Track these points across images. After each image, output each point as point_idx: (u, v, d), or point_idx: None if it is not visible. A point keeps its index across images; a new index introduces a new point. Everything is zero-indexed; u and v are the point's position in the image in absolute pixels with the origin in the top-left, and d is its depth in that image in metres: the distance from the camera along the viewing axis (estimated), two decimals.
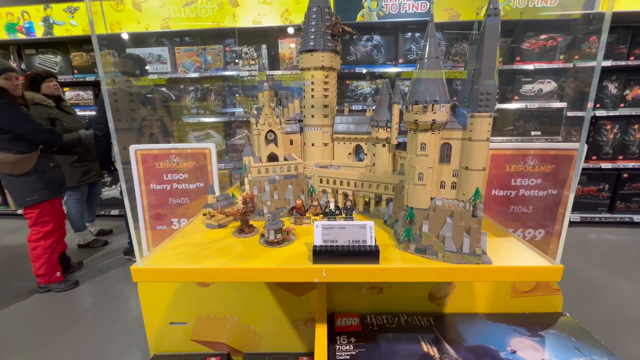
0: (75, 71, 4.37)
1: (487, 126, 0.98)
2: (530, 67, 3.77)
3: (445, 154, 1.07)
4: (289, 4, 3.78)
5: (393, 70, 3.94)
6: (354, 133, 1.64)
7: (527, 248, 1.18)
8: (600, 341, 1.26)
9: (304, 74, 1.66)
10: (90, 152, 3.35)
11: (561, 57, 3.76)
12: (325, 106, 1.68)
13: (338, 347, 1.25)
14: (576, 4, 3.70)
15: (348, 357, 1.20)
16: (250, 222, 1.39)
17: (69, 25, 4.15)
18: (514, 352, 1.21)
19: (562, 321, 1.40)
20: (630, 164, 3.93)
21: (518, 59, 3.81)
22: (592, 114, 3.85)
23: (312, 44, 1.57)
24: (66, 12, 4.11)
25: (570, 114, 3.77)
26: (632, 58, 3.75)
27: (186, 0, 3.78)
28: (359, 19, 3.76)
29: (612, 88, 3.89)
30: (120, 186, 4.27)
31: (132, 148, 1.96)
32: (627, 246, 3.52)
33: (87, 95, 4.51)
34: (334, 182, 1.57)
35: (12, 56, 4.44)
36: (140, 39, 4.15)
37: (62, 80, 4.21)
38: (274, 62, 4.09)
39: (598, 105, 3.94)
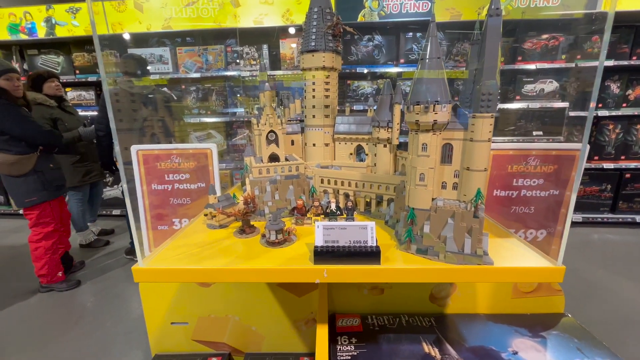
0: (77, 71, 4.39)
1: (488, 126, 0.98)
2: (532, 67, 3.76)
3: (446, 154, 1.07)
4: (290, 4, 3.78)
5: (394, 70, 3.94)
6: (355, 133, 1.64)
7: (529, 249, 1.17)
8: (602, 342, 1.25)
9: (305, 74, 1.66)
10: (92, 152, 3.37)
11: (563, 56, 3.74)
12: (327, 106, 1.68)
13: (339, 347, 1.25)
14: (578, 4, 3.68)
15: (349, 357, 1.19)
16: (252, 223, 1.39)
17: (71, 26, 4.16)
18: (515, 353, 1.21)
19: (564, 322, 1.40)
20: (633, 164, 3.91)
21: (520, 58, 3.80)
22: (595, 114, 3.83)
23: (313, 44, 1.57)
24: (68, 12, 4.12)
25: (572, 113, 3.76)
26: (634, 58, 3.73)
27: (187, 1, 3.78)
28: (360, 19, 3.76)
29: (614, 88, 3.88)
30: (121, 186, 4.28)
31: (134, 148, 1.96)
32: (629, 246, 3.50)
33: (89, 95, 4.53)
34: (335, 183, 1.57)
35: (14, 57, 4.46)
36: (141, 40, 4.16)
37: (64, 80, 4.23)
38: (275, 62, 4.10)
39: (600, 105, 3.93)
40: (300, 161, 1.57)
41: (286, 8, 3.79)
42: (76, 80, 4.40)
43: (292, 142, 1.77)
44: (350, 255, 1.06)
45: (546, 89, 3.84)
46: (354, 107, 3.87)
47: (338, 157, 1.74)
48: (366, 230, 1.09)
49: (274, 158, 1.57)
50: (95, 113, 4.15)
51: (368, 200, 1.51)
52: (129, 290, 2.77)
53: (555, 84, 3.83)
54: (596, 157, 4.01)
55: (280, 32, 3.94)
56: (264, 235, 1.27)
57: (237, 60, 4.10)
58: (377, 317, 1.44)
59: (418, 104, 0.99)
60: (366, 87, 4.07)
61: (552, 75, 3.82)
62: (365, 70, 3.94)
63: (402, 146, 1.48)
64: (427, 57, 0.99)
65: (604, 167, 3.93)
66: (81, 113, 3.91)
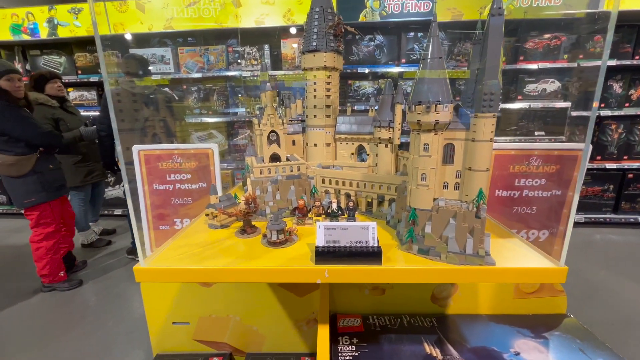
0: (79, 72, 4.40)
1: (490, 126, 0.98)
2: (534, 66, 3.75)
3: (448, 154, 1.06)
4: (292, 4, 3.78)
5: (396, 70, 3.93)
6: (357, 133, 1.64)
7: (531, 249, 1.17)
8: (604, 343, 1.25)
9: (307, 74, 1.66)
10: (94, 152, 3.38)
11: (565, 56, 3.73)
12: (328, 106, 1.68)
13: (340, 347, 1.25)
14: (580, 3, 3.67)
15: (350, 357, 1.19)
16: (253, 223, 1.39)
17: (73, 26, 4.18)
18: (517, 353, 1.20)
19: (566, 323, 1.39)
20: (635, 164, 3.90)
21: (522, 58, 3.79)
22: (597, 114, 3.82)
23: (314, 44, 1.56)
24: (70, 13, 4.14)
25: (574, 113, 3.75)
26: (637, 57, 3.72)
27: (189, 1, 3.79)
28: (361, 18, 3.76)
29: (617, 87, 3.86)
30: (123, 186, 4.29)
31: (135, 148, 1.97)
32: (632, 247, 3.49)
33: (91, 95, 4.54)
34: (337, 183, 1.57)
35: (17, 57, 4.48)
36: (143, 40, 4.17)
37: (66, 80, 4.24)
38: (277, 62, 4.10)
39: (603, 105, 3.92)
40: (301, 161, 1.57)
41: (287, 8, 3.79)
42: (78, 80, 4.41)
43: (294, 142, 1.77)
44: (351, 256, 1.06)
45: (548, 89, 3.83)
46: (355, 107, 3.88)
47: (339, 157, 1.74)
48: (367, 231, 1.09)
49: (275, 158, 1.57)
50: (97, 113, 4.17)
51: (369, 200, 1.51)
52: (131, 290, 2.78)
53: (557, 83, 3.81)
54: (598, 157, 3.99)
55: (282, 32, 3.95)
56: (265, 236, 1.27)
57: (239, 61, 4.11)
58: (378, 317, 1.44)
59: (420, 104, 0.99)
60: (367, 87, 4.06)
61: (554, 75, 3.80)
62: (367, 70, 3.94)
63: (404, 146, 1.48)
64: (429, 56, 0.99)
65: (607, 167, 3.92)
66: (83, 113, 3.93)
